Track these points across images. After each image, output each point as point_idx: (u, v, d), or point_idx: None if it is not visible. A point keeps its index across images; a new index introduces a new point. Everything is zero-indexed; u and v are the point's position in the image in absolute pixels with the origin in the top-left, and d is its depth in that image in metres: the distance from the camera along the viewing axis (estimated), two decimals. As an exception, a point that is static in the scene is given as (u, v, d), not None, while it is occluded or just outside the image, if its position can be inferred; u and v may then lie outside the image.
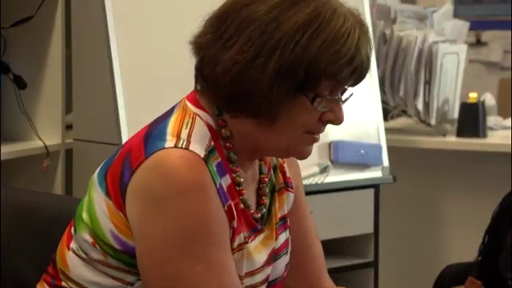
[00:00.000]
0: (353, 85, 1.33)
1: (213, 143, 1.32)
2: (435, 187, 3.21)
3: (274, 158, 1.46)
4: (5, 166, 2.51)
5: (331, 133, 2.71)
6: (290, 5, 1.28)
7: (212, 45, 1.30)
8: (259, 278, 1.38)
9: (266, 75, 1.26)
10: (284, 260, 1.45)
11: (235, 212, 1.33)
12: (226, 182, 1.33)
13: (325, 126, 1.34)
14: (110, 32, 2.34)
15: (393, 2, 3.28)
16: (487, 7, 4.65)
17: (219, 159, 1.32)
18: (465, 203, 3.18)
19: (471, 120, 3.10)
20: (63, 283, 1.38)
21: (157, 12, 2.46)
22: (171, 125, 1.33)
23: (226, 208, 1.31)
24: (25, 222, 1.61)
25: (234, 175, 1.35)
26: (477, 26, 4.18)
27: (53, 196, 2.18)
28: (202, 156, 1.30)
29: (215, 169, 1.31)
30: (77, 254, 1.37)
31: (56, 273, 1.40)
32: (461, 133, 3.12)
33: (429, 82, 3.14)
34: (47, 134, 2.67)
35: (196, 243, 1.27)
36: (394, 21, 3.23)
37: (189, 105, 1.36)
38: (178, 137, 1.30)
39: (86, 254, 1.36)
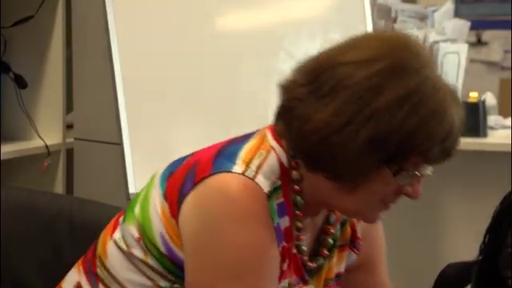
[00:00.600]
0: (438, 163, 1.28)
1: (280, 182, 1.30)
2: (435, 186, 3.21)
3: None
4: (5, 165, 2.51)
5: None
6: (391, 74, 1.23)
7: (304, 98, 1.26)
8: None
9: (356, 143, 1.22)
10: None
11: (289, 257, 1.31)
12: (284, 223, 1.30)
13: (399, 197, 1.31)
14: (110, 31, 2.34)
15: (393, 2, 3.28)
16: (488, 7, 4.65)
17: (282, 199, 1.30)
18: (465, 202, 3.18)
19: (472, 119, 3.10)
20: (98, 270, 1.37)
21: (158, 11, 2.46)
22: (245, 150, 1.30)
23: (279, 248, 1.29)
24: (25, 222, 1.61)
25: (294, 219, 1.32)
26: (478, 25, 4.18)
27: (53, 195, 2.18)
28: (266, 191, 1.27)
29: (276, 207, 1.29)
30: (118, 245, 1.35)
31: (94, 259, 1.39)
32: (461, 132, 3.12)
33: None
34: (48, 133, 2.66)
35: (248, 273, 1.24)
36: (394, 20, 3.22)
37: (268, 135, 1.33)
38: (248, 165, 1.28)
39: (127, 246, 1.34)
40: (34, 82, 2.67)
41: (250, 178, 1.26)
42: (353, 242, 1.44)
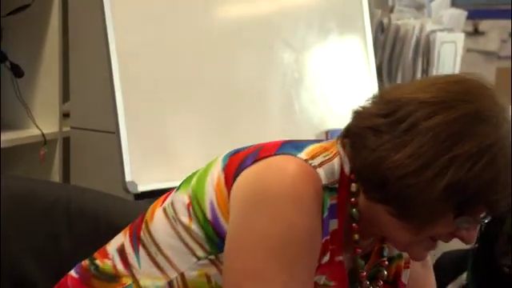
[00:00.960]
0: (499, 213, 1.27)
1: (337, 185, 1.29)
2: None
3: (395, 251, 1.41)
4: (2, 154, 2.51)
5: (328, 121, 2.71)
6: (473, 122, 1.22)
7: (380, 130, 1.25)
8: None
9: (433, 189, 1.21)
10: None
11: (330, 254, 1.30)
12: (332, 224, 1.30)
13: (452, 239, 1.30)
14: (107, 20, 2.34)
15: (390, -9, 3.28)
16: (485, -4, 4.64)
17: (335, 201, 1.30)
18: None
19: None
20: (141, 233, 1.39)
21: None
22: (312, 147, 1.31)
23: (323, 241, 1.29)
24: (22, 210, 1.61)
25: (351, 231, 1.31)
26: (474, 15, 4.17)
27: (51, 184, 2.18)
28: (323, 184, 1.28)
29: (328, 205, 1.29)
30: (165, 211, 1.37)
31: (141, 223, 1.41)
32: None
33: (426, 71, 3.14)
34: (44, 122, 2.66)
35: (289, 252, 1.24)
36: (391, 9, 3.22)
37: (338, 143, 1.33)
38: (312, 158, 1.28)
39: (175, 212, 1.35)
40: (30, 71, 2.67)
41: (311, 166, 1.27)
42: (395, 284, 1.43)
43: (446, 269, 2.17)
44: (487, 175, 1.22)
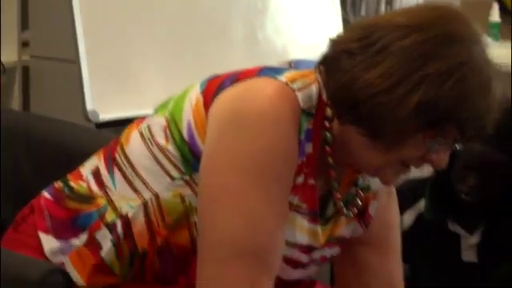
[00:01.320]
0: (469, 138, 1.28)
1: (314, 111, 1.31)
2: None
3: (371, 184, 1.43)
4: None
5: (292, 51, 2.70)
6: (444, 43, 1.24)
7: (354, 52, 1.25)
8: (287, 252, 1.35)
9: (403, 107, 1.22)
10: (306, 272, 1.41)
11: (305, 176, 1.31)
12: (308, 148, 1.31)
13: (423, 164, 1.30)
14: None
15: None
16: None
17: (311, 127, 1.30)
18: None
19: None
20: (116, 155, 1.39)
21: None
22: (292, 72, 1.32)
23: (298, 161, 1.29)
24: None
25: (324, 155, 1.32)
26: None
27: (10, 111, 2.16)
28: (302, 107, 1.28)
29: (305, 128, 1.29)
30: (142, 134, 1.37)
31: (115, 145, 1.41)
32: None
33: (390, 3, 3.13)
34: (3, 50, 2.63)
35: (266, 171, 1.25)
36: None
37: (316, 71, 1.33)
38: (292, 82, 1.29)
39: (151, 135, 1.36)
40: (-13, -2, 2.61)
41: (291, 89, 1.28)
42: (362, 217, 1.44)
43: (404, 196, 2.19)
44: (457, 93, 1.23)
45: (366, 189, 1.44)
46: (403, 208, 2.19)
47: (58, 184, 1.44)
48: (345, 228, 1.42)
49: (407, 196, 2.19)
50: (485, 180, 2.04)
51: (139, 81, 2.37)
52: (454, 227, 2.14)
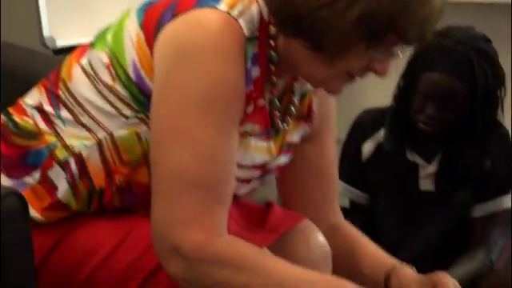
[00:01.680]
0: (411, 44, 1.31)
1: (258, 33, 1.31)
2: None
3: (307, 86, 1.45)
4: None
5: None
6: None
7: None
8: (243, 174, 1.38)
9: (345, 19, 1.24)
10: (251, 186, 1.44)
11: (254, 103, 1.33)
12: (255, 72, 1.32)
13: (366, 74, 1.33)
14: None
15: None
16: None
17: (257, 50, 1.31)
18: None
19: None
20: (60, 92, 1.38)
21: None
22: None
23: (247, 91, 1.31)
24: None
25: (269, 74, 1.34)
26: None
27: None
28: (246, 35, 1.28)
29: (250, 54, 1.30)
30: (84, 71, 1.36)
31: (57, 81, 1.39)
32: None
33: None
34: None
35: (215, 106, 1.26)
36: None
37: None
38: (231, 8, 1.28)
39: (94, 72, 1.34)
40: None
41: (233, 18, 1.27)
42: (309, 116, 1.48)
43: (364, 126, 2.21)
44: (397, 4, 1.25)
45: (308, 92, 1.46)
46: (364, 138, 2.21)
47: (3, 119, 1.42)
48: (295, 133, 1.46)
49: (368, 126, 2.20)
50: (443, 109, 2.05)
51: (97, 6, 2.33)
52: (413, 157, 2.16)
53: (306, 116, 1.48)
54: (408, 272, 1.46)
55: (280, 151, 1.43)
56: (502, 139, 2.16)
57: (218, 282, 1.24)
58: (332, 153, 1.55)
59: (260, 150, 1.39)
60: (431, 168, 2.16)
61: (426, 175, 2.16)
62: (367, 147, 2.20)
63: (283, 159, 1.45)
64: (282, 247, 1.37)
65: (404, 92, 2.11)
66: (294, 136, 1.46)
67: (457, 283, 1.41)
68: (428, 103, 2.05)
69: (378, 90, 2.59)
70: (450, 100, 2.04)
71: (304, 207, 1.52)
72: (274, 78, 1.36)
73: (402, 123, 2.12)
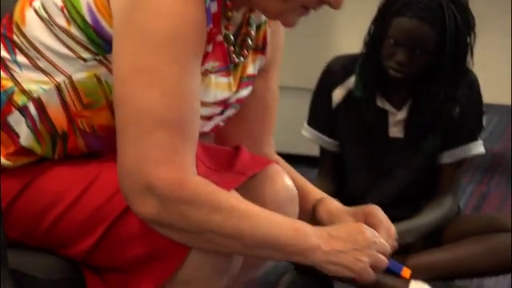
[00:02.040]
0: None
1: None
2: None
3: (262, 17, 1.44)
4: None
5: None
6: None
7: None
8: (206, 111, 1.38)
9: None
10: (229, 113, 1.45)
11: (214, 40, 1.33)
12: (213, 7, 1.31)
13: (321, 5, 1.33)
14: None
15: None
16: None
17: None
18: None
19: None
20: (14, 37, 1.36)
21: None
22: None
23: (207, 30, 1.30)
24: None
25: (224, 8, 1.34)
26: None
27: None
28: None
29: None
30: (38, 14, 1.33)
31: (10, 25, 1.37)
32: None
33: None
34: None
35: (178, 45, 1.25)
36: None
37: None
38: None
39: (49, 15, 1.32)
40: None
41: None
42: (264, 47, 1.48)
43: (335, 73, 2.20)
44: None
45: (265, 22, 1.47)
46: (335, 84, 2.20)
47: None
48: (252, 66, 1.46)
49: (339, 73, 2.19)
50: (413, 55, 2.05)
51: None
52: (383, 104, 2.16)
53: (261, 48, 1.48)
54: (337, 203, 1.49)
55: (240, 85, 1.44)
56: (471, 86, 2.16)
57: (191, 222, 1.24)
58: (276, 86, 1.55)
59: (221, 86, 1.39)
60: (401, 115, 2.16)
61: (396, 122, 2.17)
62: (337, 94, 2.19)
63: (243, 92, 1.46)
64: (249, 190, 1.37)
65: (374, 38, 2.10)
66: (252, 68, 1.46)
67: (386, 216, 1.42)
68: (398, 49, 2.04)
69: (350, 37, 2.58)
70: (419, 45, 2.03)
71: (242, 138, 1.52)
72: (230, 13, 1.36)
73: (372, 70, 2.12)
